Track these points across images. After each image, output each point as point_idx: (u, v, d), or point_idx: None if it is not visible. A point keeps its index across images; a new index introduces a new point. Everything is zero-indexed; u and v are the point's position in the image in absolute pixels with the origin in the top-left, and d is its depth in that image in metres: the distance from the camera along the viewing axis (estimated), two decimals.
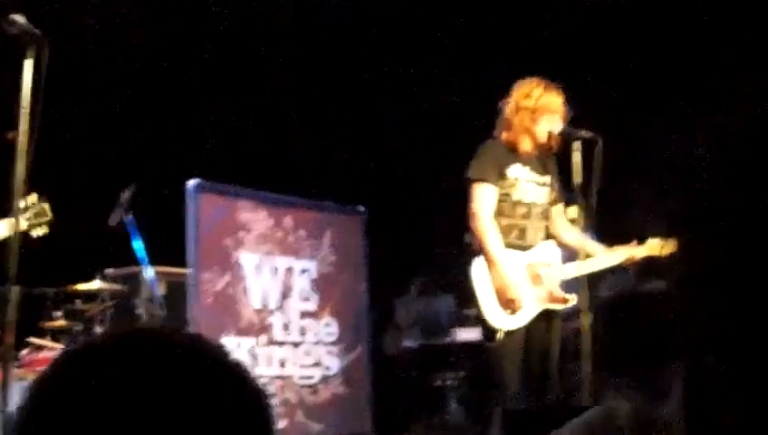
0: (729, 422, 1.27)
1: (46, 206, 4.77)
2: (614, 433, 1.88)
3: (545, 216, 5.68)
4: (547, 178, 5.69)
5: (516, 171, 5.57)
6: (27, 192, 3.51)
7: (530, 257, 5.54)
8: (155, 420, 1.09)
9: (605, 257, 5.65)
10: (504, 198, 5.53)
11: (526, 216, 5.59)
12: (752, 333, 1.22)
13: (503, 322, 5.40)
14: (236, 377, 1.19)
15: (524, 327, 5.48)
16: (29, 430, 1.11)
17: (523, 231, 5.57)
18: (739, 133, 1.30)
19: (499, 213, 5.51)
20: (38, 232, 4.75)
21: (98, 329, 6.80)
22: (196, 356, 1.17)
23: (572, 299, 5.53)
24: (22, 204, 4.34)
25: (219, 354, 1.20)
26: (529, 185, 5.60)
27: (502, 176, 5.52)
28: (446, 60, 8.63)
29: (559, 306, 5.56)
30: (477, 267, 5.45)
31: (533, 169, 5.63)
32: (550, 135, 5.57)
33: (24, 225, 4.55)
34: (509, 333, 5.41)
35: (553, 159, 5.75)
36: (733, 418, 1.25)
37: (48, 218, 4.78)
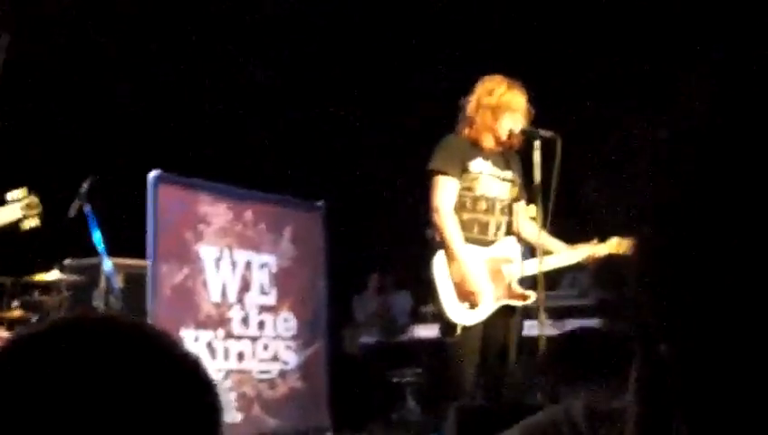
0: (682, 412, 1.29)
1: (36, 198, 4.81)
2: (570, 430, 1.91)
3: (507, 211, 5.72)
4: (509, 174, 5.72)
5: (479, 165, 5.60)
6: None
7: (491, 253, 5.58)
8: (99, 407, 1.07)
9: (566, 255, 5.70)
10: (465, 192, 5.56)
11: (488, 211, 5.62)
12: (706, 321, 1.25)
13: (461, 317, 5.43)
14: (184, 366, 1.18)
15: (483, 323, 5.51)
16: None
17: (484, 226, 5.60)
18: (695, 128, 1.32)
19: (461, 207, 5.54)
20: (31, 223, 4.80)
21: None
22: (143, 343, 1.16)
23: (531, 296, 5.57)
24: (11, 196, 4.41)
25: (166, 343, 1.19)
26: (491, 180, 5.63)
27: (464, 169, 5.55)
28: (407, 55, 8.66)
29: (518, 303, 5.60)
30: (438, 262, 5.48)
31: (496, 165, 5.67)
32: (511, 133, 5.62)
33: (18, 214, 4.61)
34: (467, 329, 5.44)
35: (516, 156, 5.80)
36: (686, 407, 1.28)
37: (39, 210, 4.82)
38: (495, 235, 5.64)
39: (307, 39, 8.70)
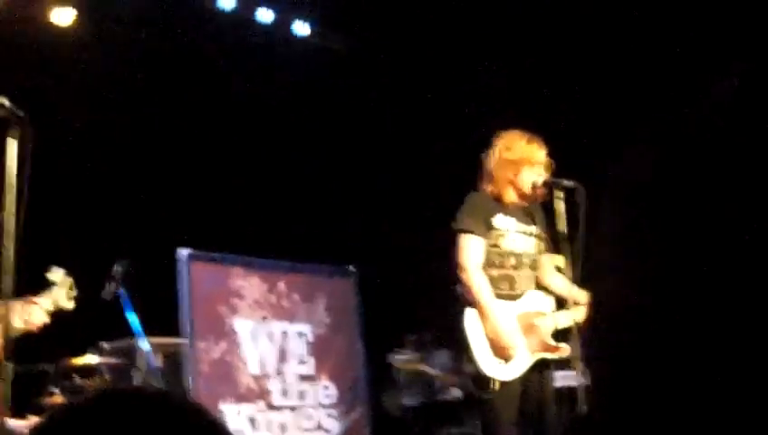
0: None
1: (71, 280, 4.93)
2: None
3: (534, 266, 5.71)
4: (534, 228, 5.73)
5: (503, 222, 5.61)
6: (20, 270, 3.55)
7: (521, 307, 5.57)
8: None
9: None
10: (492, 248, 5.56)
11: (516, 266, 5.62)
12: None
13: (497, 372, 5.41)
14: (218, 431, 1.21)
15: (519, 378, 5.48)
16: None
17: (512, 281, 5.60)
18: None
19: (488, 264, 5.55)
20: (69, 307, 4.91)
21: None
22: (186, 417, 1.20)
23: (565, 349, 5.54)
24: (53, 277, 4.53)
25: (209, 419, 1.22)
26: (517, 235, 5.64)
27: (489, 226, 5.56)
28: (426, 111, 8.71)
29: (553, 356, 5.57)
30: (469, 318, 5.47)
31: (520, 220, 5.68)
32: (534, 186, 5.63)
33: (65, 301, 4.74)
34: (505, 384, 5.42)
35: (539, 208, 5.80)
36: None
37: (75, 293, 4.93)
38: (523, 289, 5.63)
39: (330, 103, 8.79)
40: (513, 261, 5.61)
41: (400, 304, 8.60)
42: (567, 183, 5.54)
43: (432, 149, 8.63)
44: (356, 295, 8.14)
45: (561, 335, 5.62)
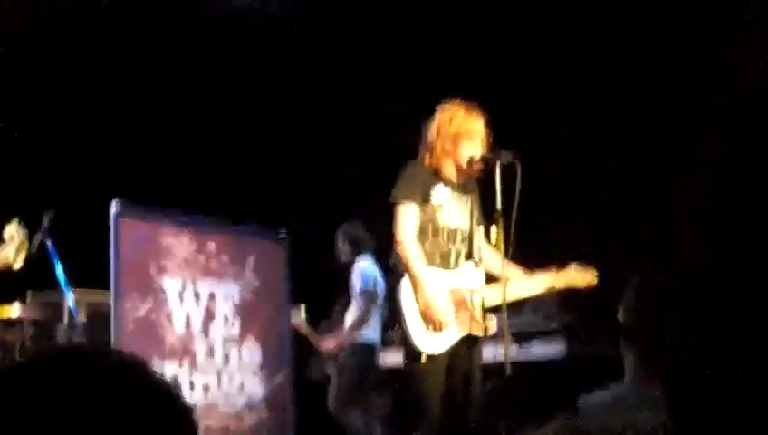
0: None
1: (24, 234, 4.72)
2: None
3: (468, 240, 5.74)
4: (469, 203, 5.75)
5: (440, 194, 5.62)
6: None
7: (453, 279, 5.60)
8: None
9: (527, 285, 5.72)
10: (427, 222, 5.57)
11: (450, 240, 5.64)
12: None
13: (427, 344, 5.44)
14: (161, 390, 1.20)
15: (447, 352, 5.51)
16: None
17: (446, 255, 5.62)
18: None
19: (423, 237, 5.56)
20: (20, 263, 4.69)
21: (18, 356, 6.70)
22: (121, 371, 1.18)
23: (493, 327, 5.58)
24: (8, 233, 4.30)
25: (143, 369, 1.21)
26: (452, 209, 5.65)
27: (426, 198, 5.57)
28: (367, 76, 8.69)
29: (480, 333, 5.61)
30: (405, 288, 5.49)
31: (456, 193, 5.69)
32: (471, 160, 5.65)
33: (11, 254, 4.49)
34: (432, 357, 5.45)
35: (475, 183, 5.82)
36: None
37: (27, 249, 4.71)
38: (457, 263, 5.65)
39: (273, 65, 8.73)
40: (447, 235, 5.63)
41: (331, 272, 8.61)
42: (505, 157, 5.56)
43: (375, 115, 8.62)
44: (285, 259, 8.10)
45: (490, 311, 5.66)
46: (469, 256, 5.73)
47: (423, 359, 5.39)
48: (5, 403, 1.11)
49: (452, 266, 5.60)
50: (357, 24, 8.66)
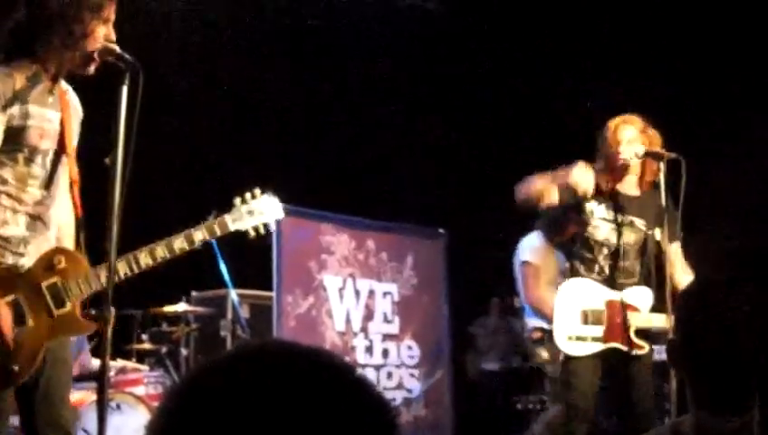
0: None
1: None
2: None
3: (638, 256, 5.52)
4: (631, 218, 5.54)
5: (598, 209, 5.45)
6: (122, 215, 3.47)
7: (620, 296, 5.41)
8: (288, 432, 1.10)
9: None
10: (585, 234, 5.42)
11: (609, 255, 5.49)
12: None
13: (568, 346, 5.30)
14: (366, 389, 1.20)
15: (598, 358, 5.35)
16: None
17: (601, 268, 5.46)
18: None
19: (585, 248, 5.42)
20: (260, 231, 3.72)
21: (183, 351, 6.88)
22: (325, 368, 1.19)
23: (645, 348, 5.40)
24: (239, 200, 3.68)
25: (346, 367, 1.21)
26: (605, 224, 5.48)
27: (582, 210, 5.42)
28: (534, 79, 8.59)
29: (625, 348, 5.42)
30: (564, 289, 5.38)
31: (616, 208, 5.51)
32: (635, 156, 5.48)
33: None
34: (570, 359, 5.31)
35: (650, 200, 5.56)
36: None
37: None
38: (625, 279, 5.46)
39: (434, 70, 8.72)
40: (606, 251, 5.47)
41: (487, 270, 8.55)
42: (667, 155, 5.38)
43: (527, 117, 8.53)
44: (444, 258, 8.11)
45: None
46: (643, 273, 5.52)
47: (560, 358, 5.33)
48: (214, 394, 1.13)
49: (620, 279, 5.44)
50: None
